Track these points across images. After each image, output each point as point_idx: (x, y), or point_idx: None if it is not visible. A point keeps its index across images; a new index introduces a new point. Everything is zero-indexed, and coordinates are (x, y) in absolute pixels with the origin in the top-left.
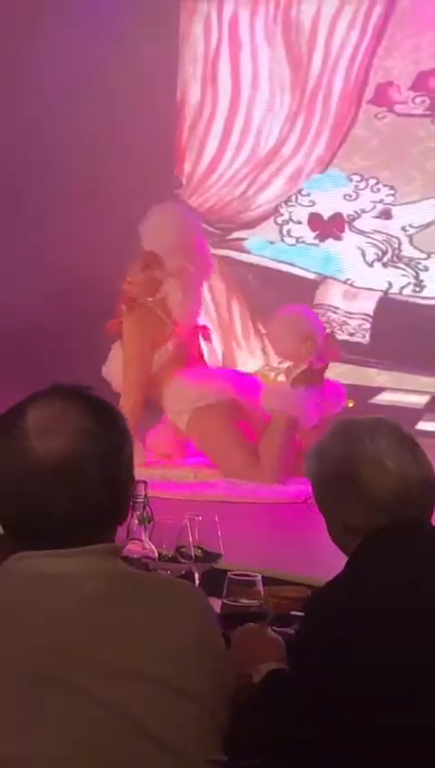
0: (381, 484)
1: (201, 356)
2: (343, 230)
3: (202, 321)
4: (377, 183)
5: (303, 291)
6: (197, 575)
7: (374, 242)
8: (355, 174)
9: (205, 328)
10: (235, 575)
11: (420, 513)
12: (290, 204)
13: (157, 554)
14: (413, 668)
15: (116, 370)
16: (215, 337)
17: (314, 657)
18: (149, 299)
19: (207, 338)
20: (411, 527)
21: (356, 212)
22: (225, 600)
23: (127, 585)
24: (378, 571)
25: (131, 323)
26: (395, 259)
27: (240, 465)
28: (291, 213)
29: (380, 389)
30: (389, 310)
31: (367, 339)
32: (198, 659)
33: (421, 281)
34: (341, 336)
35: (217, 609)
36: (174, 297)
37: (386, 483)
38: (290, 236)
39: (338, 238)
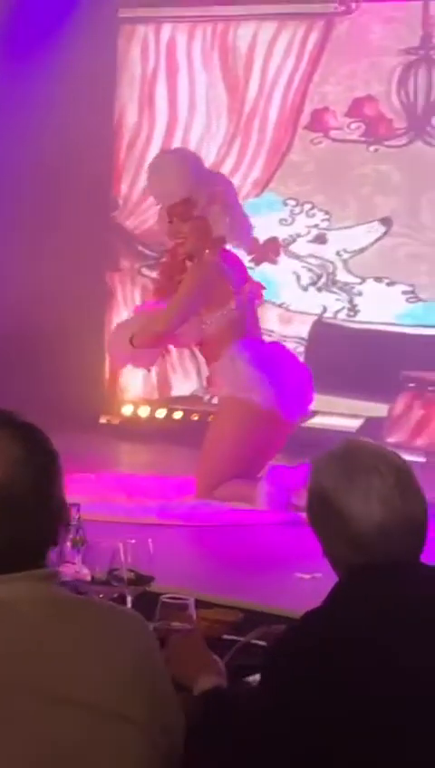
0: (364, 522)
1: (257, 324)
2: (278, 254)
3: None
4: (312, 208)
5: None
6: (129, 598)
7: (309, 266)
8: (291, 198)
9: (260, 285)
10: (167, 598)
11: (405, 555)
12: None
13: (90, 577)
14: (372, 711)
15: (118, 345)
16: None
17: (275, 690)
18: (206, 250)
19: (260, 297)
20: (391, 570)
21: (291, 236)
22: (156, 624)
23: (65, 611)
24: (351, 611)
25: (194, 274)
26: (330, 283)
27: (212, 480)
28: None
29: (313, 413)
30: (323, 334)
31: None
32: (138, 686)
33: (355, 305)
34: None
35: None
36: (223, 224)
37: (369, 522)
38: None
39: (273, 262)
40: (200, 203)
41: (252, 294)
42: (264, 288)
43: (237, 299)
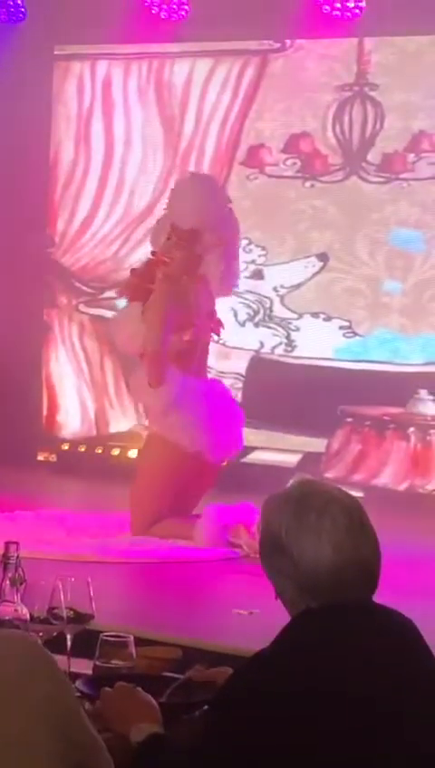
0: (315, 566)
1: (205, 360)
2: None
3: (75, 379)
4: (249, 243)
5: None
6: (69, 636)
7: (246, 302)
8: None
9: (220, 323)
10: (107, 636)
11: (358, 597)
12: None
13: (29, 616)
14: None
15: (124, 335)
16: (88, 395)
17: (221, 733)
18: (185, 277)
19: (218, 333)
20: (343, 613)
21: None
22: (97, 662)
23: None
24: (301, 655)
25: (161, 295)
26: (267, 319)
27: (145, 518)
28: None
29: (252, 449)
30: (261, 369)
31: (239, 398)
32: (21, 706)
33: (292, 340)
34: None
35: (90, 671)
36: (215, 270)
37: (320, 566)
38: None
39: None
40: (205, 240)
41: (212, 330)
42: (223, 326)
43: (194, 331)
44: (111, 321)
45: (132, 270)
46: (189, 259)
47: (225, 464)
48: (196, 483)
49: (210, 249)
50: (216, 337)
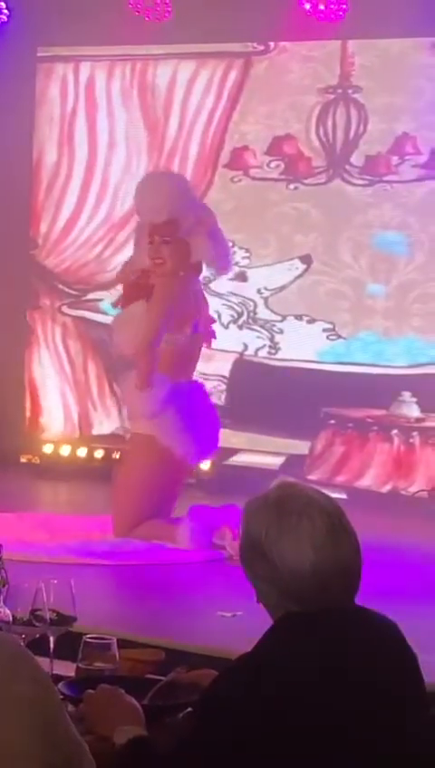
0: (295, 570)
1: (196, 362)
2: None
3: (58, 381)
4: (233, 246)
5: None
6: (52, 639)
7: (230, 304)
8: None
9: (211, 320)
10: (90, 638)
11: (339, 600)
12: None
13: (11, 618)
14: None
15: (126, 335)
16: (71, 397)
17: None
18: (181, 273)
19: (212, 338)
20: (324, 616)
21: (212, 274)
22: (80, 664)
23: None
24: (284, 658)
25: (164, 294)
26: (250, 321)
27: (127, 519)
28: None
29: (235, 450)
30: (244, 371)
31: (223, 400)
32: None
33: (276, 343)
34: None
35: (73, 674)
36: (207, 251)
37: (301, 569)
38: None
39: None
40: (184, 226)
41: (204, 328)
42: (214, 322)
43: (193, 327)
44: (113, 323)
45: (126, 283)
46: (179, 251)
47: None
48: (173, 484)
49: (194, 233)
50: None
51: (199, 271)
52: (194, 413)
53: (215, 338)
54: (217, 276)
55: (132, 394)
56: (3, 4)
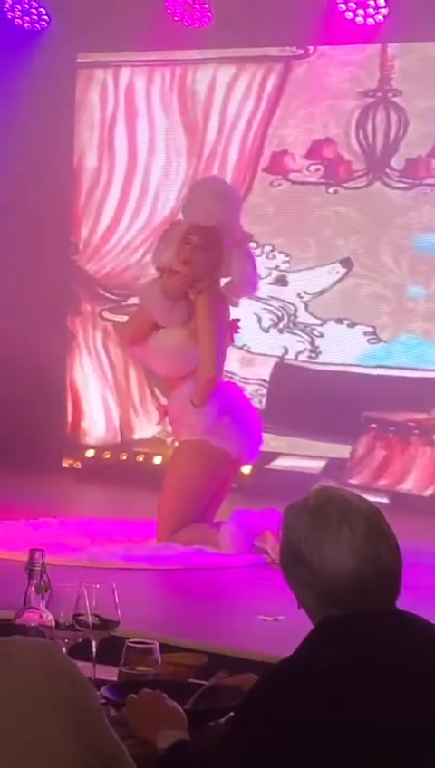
0: (335, 575)
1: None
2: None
3: (99, 386)
4: (272, 250)
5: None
6: (94, 643)
7: (270, 308)
8: (251, 241)
9: (236, 321)
10: (132, 643)
11: (379, 604)
12: None
13: (54, 623)
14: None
15: (174, 361)
16: (112, 401)
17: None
18: (204, 283)
19: (237, 332)
20: (364, 620)
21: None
22: (122, 669)
23: None
24: (325, 662)
25: (209, 310)
26: (291, 325)
27: (173, 524)
28: None
29: (276, 455)
30: (285, 375)
31: (263, 404)
32: (42, 711)
33: (317, 347)
34: None
35: (115, 678)
36: (242, 269)
37: (341, 574)
38: None
39: (234, 304)
40: (226, 239)
41: (232, 330)
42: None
43: (231, 333)
44: (155, 346)
45: (168, 295)
46: (211, 259)
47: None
48: (221, 487)
49: (233, 247)
50: (239, 342)
51: (218, 284)
52: (240, 412)
53: (238, 332)
54: (237, 297)
55: (188, 411)
56: (43, 11)
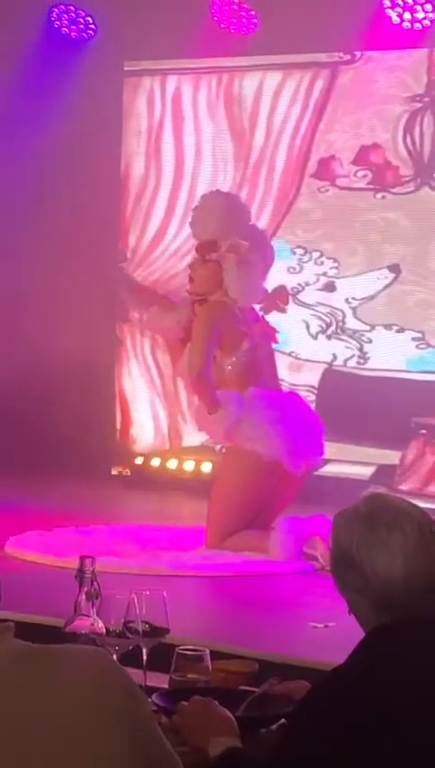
0: (387, 581)
1: (273, 368)
2: (286, 303)
3: (148, 393)
4: (320, 256)
5: None
6: (144, 650)
7: (318, 314)
8: (299, 247)
9: (273, 327)
10: (183, 650)
11: (431, 611)
12: None
13: (104, 630)
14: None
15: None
16: (160, 408)
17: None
18: (218, 291)
19: (275, 339)
20: (416, 628)
21: (300, 285)
22: (173, 676)
23: (11, 662)
24: (378, 670)
25: (201, 316)
26: (339, 331)
27: (222, 531)
28: None
29: (325, 461)
30: (333, 381)
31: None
32: (104, 720)
33: (365, 353)
34: None
35: (166, 685)
36: (231, 279)
37: (392, 581)
38: None
39: (282, 311)
40: (221, 249)
41: (265, 336)
42: (277, 331)
43: (250, 339)
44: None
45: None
46: (209, 270)
47: (306, 474)
48: (274, 494)
49: (225, 257)
50: (287, 348)
51: (220, 294)
52: (287, 419)
53: (277, 333)
54: (236, 307)
55: (205, 418)
56: (90, 20)
